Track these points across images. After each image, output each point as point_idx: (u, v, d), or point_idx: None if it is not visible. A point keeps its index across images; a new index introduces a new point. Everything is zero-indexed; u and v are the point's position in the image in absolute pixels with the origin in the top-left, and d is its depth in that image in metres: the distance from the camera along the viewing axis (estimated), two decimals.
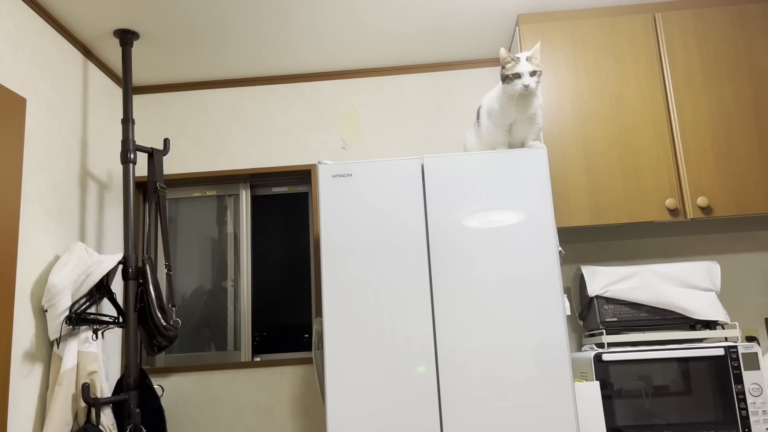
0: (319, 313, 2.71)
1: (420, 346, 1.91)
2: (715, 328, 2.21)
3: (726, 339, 2.20)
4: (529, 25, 2.45)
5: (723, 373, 2.06)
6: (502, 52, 2.00)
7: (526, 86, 1.96)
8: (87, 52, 2.55)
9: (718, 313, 2.17)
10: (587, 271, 2.29)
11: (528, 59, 1.98)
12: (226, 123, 2.88)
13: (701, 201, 2.26)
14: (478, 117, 2.20)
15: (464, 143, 2.32)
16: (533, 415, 1.85)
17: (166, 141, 2.56)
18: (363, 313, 1.95)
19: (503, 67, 2.02)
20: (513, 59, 1.99)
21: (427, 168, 2.04)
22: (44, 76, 2.24)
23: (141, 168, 2.83)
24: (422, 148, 2.82)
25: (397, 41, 2.66)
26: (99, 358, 2.17)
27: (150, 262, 2.29)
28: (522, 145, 2.09)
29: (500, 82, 2.07)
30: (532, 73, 1.96)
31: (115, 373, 2.60)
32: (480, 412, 1.86)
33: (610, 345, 2.25)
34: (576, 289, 2.50)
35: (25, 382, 2.00)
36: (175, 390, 2.67)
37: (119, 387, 2.29)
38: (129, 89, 2.42)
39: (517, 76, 1.97)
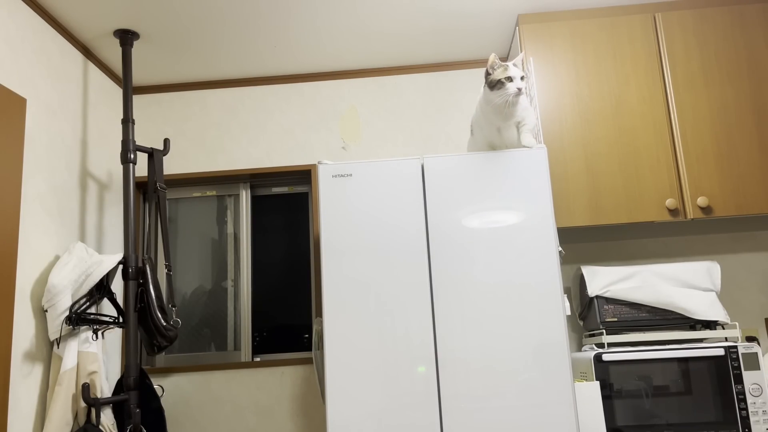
0: (319, 313, 2.71)
1: (420, 346, 1.91)
2: (715, 328, 2.21)
3: (726, 339, 2.20)
4: (529, 25, 2.45)
5: (723, 373, 2.06)
6: (492, 58, 2.00)
7: (519, 89, 1.95)
8: (87, 52, 2.55)
9: (718, 313, 2.17)
10: (587, 271, 2.29)
11: (515, 65, 1.99)
12: (226, 123, 2.89)
13: (701, 201, 2.26)
14: (471, 129, 2.21)
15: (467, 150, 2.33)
16: (533, 415, 1.85)
17: (166, 141, 2.56)
18: (363, 313, 1.95)
19: (491, 73, 2.01)
20: (502, 65, 2.00)
21: (427, 168, 2.04)
22: (44, 76, 2.24)
23: (141, 168, 2.83)
24: (422, 148, 2.82)
25: (397, 41, 2.66)
26: (99, 358, 2.17)
27: (150, 262, 2.29)
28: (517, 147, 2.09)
29: (482, 90, 2.07)
30: (522, 78, 1.97)
31: (115, 373, 2.60)
32: (480, 412, 1.86)
33: (610, 345, 2.25)
34: (576, 289, 2.50)
35: (25, 382, 2.00)
36: (175, 390, 2.67)
37: (119, 387, 2.29)
38: (129, 89, 2.42)
39: (509, 79, 1.96)
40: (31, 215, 2.10)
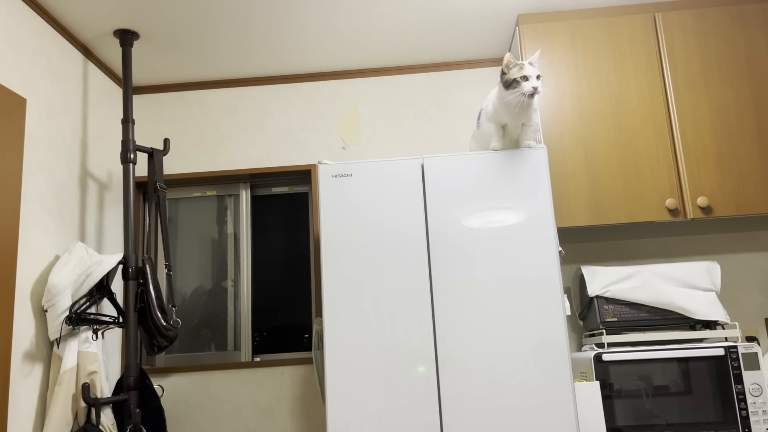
0: (319, 313, 2.71)
1: (420, 346, 1.91)
2: (715, 328, 2.21)
3: (726, 339, 2.20)
4: (529, 25, 2.45)
5: (723, 373, 2.06)
6: (507, 57, 1.98)
7: (535, 88, 1.93)
8: (87, 52, 2.55)
9: (718, 313, 2.17)
10: (587, 271, 2.29)
11: (531, 64, 1.98)
12: (226, 123, 2.88)
13: (701, 201, 2.26)
14: (478, 118, 2.20)
15: (468, 145, 2.33)
16: (533, 415, 1.85)
17: (166, 141, 2.56)
18: (363, 313, 1.95)
19: (506, 72, 1.99)
20: (518, 64, 1.98)
21: (427, 168, 2.04)
22: (44, 76, 2.24)
23: (141, 168, 2.83)
24: (422, 148, 2.82)
25: (397, 41, 2.66)
26: (99, 358, 2.17)
27: (150, 262, 2.29)
28: (518, 146, 2.09)
29: (497, 86, 2.06)
30: (538, 77, 1.95)
31: (115, 373, 2.60)
32: (480, 412, 1.86)
33: (610, 345, 2.25)
34: (576, 289, 2.50)
35: (25, 382, 2.00)
36: (175, 390, 2.67)
37: (119, 387, 2.29)
38: (129, 89, 2.42)
39: (525, 78, 1.94)
40: (31, 215, 2.10)
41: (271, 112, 2.89)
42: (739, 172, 2.29)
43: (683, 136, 2.33)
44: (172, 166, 2.86)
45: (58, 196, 2.28)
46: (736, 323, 2.24)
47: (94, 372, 2.12)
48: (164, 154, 2.52)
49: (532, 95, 1.94)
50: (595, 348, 2.18)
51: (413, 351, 1.91)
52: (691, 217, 2.28)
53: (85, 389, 2.06)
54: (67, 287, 2.08)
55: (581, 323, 2.54)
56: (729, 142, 2.32)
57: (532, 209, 1.99)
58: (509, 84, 1.97)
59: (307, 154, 2.84)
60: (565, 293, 2.17)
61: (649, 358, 2.08)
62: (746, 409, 2.03)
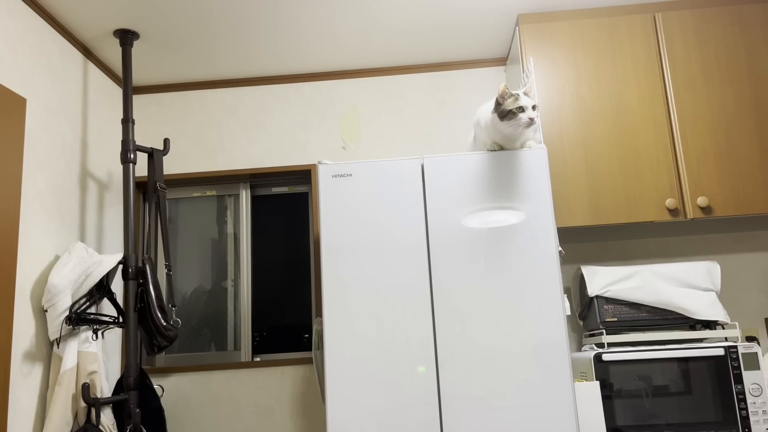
0: (319, 313, 2.71)
1: (420, 346, 1.92)
2: (715, 328, 2.21)
3: (726, 339, 2.20)
4: (529, 25, 2.45)
5: (723, 373, 2.06)
6: (502, 88, 1.97)
7: (531, 119, 1.93)
8: (87, 52, 2.55)
9: (718, 313, 2.17)
10: (587, 271, 2.29)
11: (526, 94, 1.98)
12: (226, 123, 2.88)
13: (701, 201, 2.26)
14: (473, 134, 2.20)
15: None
16: (533, 415, 1.85)
17: (166, 141, 2.56)
18: (363, 313, 1.95)
19: (501, 103, 1.98)
20: (513, 95, 1.97)
21: (427, 168, 2.04)
22: (44, 76, 2.24)
23: (141, 168, 2.83)
24: (422, 148, 2.82)
25: (397, 41, 2.66)
26: (99, 358, 2.17)
27: (150, 262, 2.29)
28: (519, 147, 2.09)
29: (489, 110, 2.04)
30: (534, 107, 1.95)
31: (115, 373, 2.60)
32: (480, 412, 1.86)
33: (610, 345, 2.25)
34: (576, 289, 2.50)
35: (25, 382, 2.00)
36: (175, 390, 2.67)
37: (119, 387, 2.29)
38: (129, 89, 2.42)
39: (521, 109, 1.94)
40: (31, 215, 2.10)
41: (271, 112, 2.89)
42: (739, 172, 2.29)
43: (683, 136, 2.33)
44: (172, 166, 2.86)
45: (58, 196, 2.28)
46: (736, 323, 2.24)
47: (94, 372, 2.12)
48: (164, 154, 2.52)
49: (528, 126, 1.95)
50: (595, 348, 2.18)
51: (413, 351, 1.91)
52: (691, 217, 2.28)
53: (85, 389, 2.06)
54: (67, 287, 2.08)
55: (581, 323, 2.54)
56: (729, 142, 2.32)
57: (532, 209, 1.99)
58: (505, 115, 1.97)
59: (307, 154, 2.84)
60: (565, 293, 2.17)
61: (649, 358, 2.08)
62: (746, 409, 2.03)
